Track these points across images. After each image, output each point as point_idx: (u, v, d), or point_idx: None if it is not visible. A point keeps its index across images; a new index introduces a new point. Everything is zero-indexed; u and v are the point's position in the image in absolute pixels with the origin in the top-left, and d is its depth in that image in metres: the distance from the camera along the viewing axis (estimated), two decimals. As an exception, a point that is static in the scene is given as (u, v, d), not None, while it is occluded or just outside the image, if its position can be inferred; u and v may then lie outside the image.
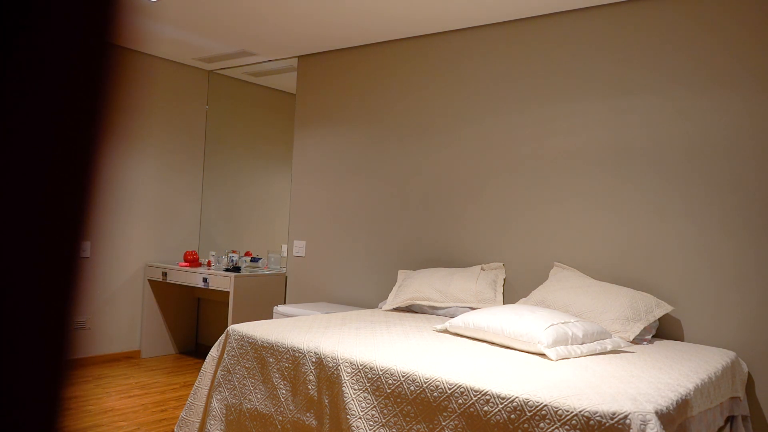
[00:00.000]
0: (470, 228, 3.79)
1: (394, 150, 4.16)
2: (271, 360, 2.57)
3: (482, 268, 3.63)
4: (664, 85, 3.15)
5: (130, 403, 3.78)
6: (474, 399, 1.97)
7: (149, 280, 5.01)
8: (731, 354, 2.75)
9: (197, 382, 2.84)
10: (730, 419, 2.68)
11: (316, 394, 2.39)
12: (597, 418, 1.74)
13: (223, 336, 2.80)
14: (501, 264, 3.63)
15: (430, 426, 2.05)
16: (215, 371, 2.80)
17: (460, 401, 2.00)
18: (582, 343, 2.48)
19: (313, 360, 2.43)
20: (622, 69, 3.28)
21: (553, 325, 2.47)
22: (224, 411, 2.67)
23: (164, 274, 4.86)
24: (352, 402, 2.24)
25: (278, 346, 2.56)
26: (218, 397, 2.70)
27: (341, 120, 4.47)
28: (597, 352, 2.49)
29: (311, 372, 2.42)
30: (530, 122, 3.58)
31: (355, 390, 2.25)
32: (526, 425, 1.85)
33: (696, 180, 3.04)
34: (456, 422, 1.99)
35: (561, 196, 3.45)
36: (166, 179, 5.15)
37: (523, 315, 2.58)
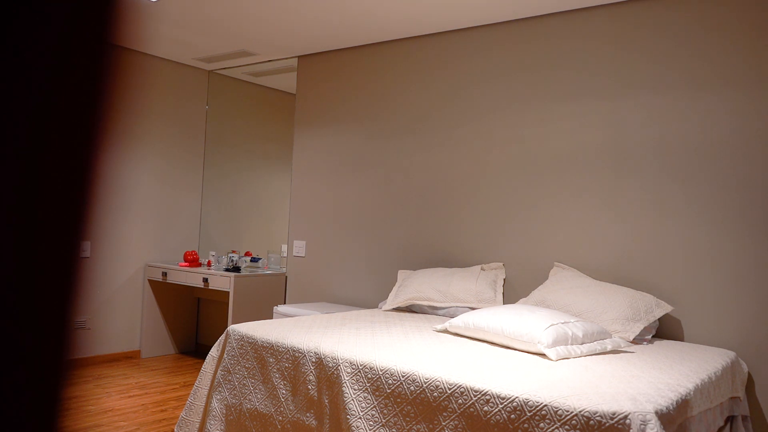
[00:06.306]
0: (470, 228, 3.79)
1: (394, 150, 4.16)
2: (271, 360, 2.57)
3: (482, 268, 3.63)
4: (665, 85, 3.15)
5: (130, 403, 3.78)
6: (474, 399, 1.97)
7: (149, 280, 5.01)
8: (731, 354, 2.75)
9: (197, 382, 2.84)
10: (730, 419, 2.68)
11: (316, 394, 2.39)
12: (597, 418, 1.74)
13: (223, 336, 2.80)
14: (501, 264, 3.63)
15: (430, 426, 2.05)
16: (215, 371, 2.80)
17: (460, 401, 2.00)
18: (582, 343, 2.48)
19: (313, 360, 2.43)
20: (623, 68, 3.28)
21: (553, 325, 2.47)
22: (224, 411, 2.67)
23: (164, 274, 4.86)
24: (352, 402, 2.24)
25: (278, 346, 2.56)
26: (218, 397, 2.70)
27: (341, 120, 4.47)
28: (597, 352, 2.49)
29: (311, 372, 2.42)
30: (531, 122, 3.58)
31: (355, 390, 2.25)
32: (526, 425, 1.85)
33: (696, 180, 3.04)
34: (456, 422, 1.99)
35: (561, 195, 3.45)
36: (166, 179, 5.15)
37: (523, 315, 2.58)
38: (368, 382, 2.24)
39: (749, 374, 2.87)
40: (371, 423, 2.18)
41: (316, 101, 4.62)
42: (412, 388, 2.12)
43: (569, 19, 3.47)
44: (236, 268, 4.62)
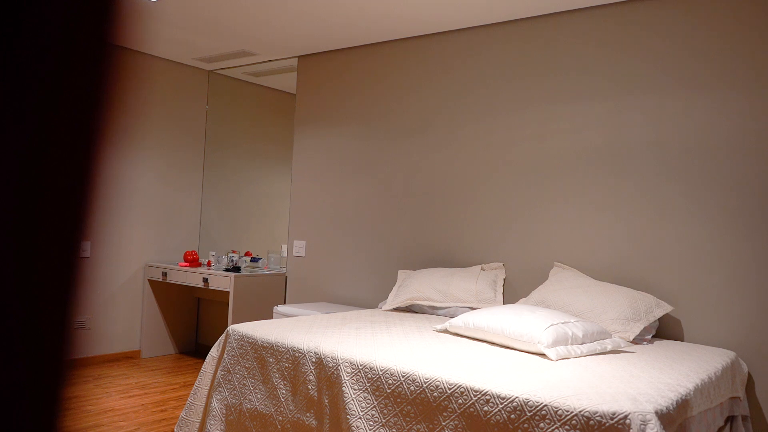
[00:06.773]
0: (470, 228, 3.79)
1: (394, 150, 4.16)
2: (271, 360, 2.57)
3: (482, 268, 3.63)
4: (664, 85, 3.15)
5: (130, 403, 3.78)
6: (474, 399, 1.97)
7: (149, 280, 5.01)
8: (731, 354, 2.75)
9: (197, 382, 2.84)
10: (730, 419, 2.68)
11: (316, 394, 2.39)
12: (597, 418, 1.74)
13: (223, 336, 2.80)
14: (501, 264, 3.63)
15: (430, 426, 2.05)
16: (215, 371, 2.80)
17: (460, 401, 2.00)
18: (582, 343, 2.48)
19: (313, 360, 2.43)
20: (623, 68, 3.28)
21: (553, 325, 2.47)
22: (224, 411, 2.67)
23: (164, 274, 4.86)
24: (352, 402, 2.24)
25: (278, 346, 2.56)
26: (218, 397, 2.70)
27: (341, 120, 4.47)
28: (597, 352, 2.49)
29: (311, 372, 2.42)
30: (530, 122, 3.58)
31: (355, 390, 2.25)
32: (526, 425, 1.85)
33: (697, 180, 3.04)
34: (456, 422, 1.99)
35: (561, 195, 3.45)
36: (166, 179, 5.15)
37: (523, 315, 2.58)
38: (368, 382, 2.24)
39: (749, 374, 2.87)
40: (371, 423, 2.18)
41: (316, 101, 4.62)
42: (412, 388, 2.12)
43: (569, 19, 3.47)
44: (236, 268, 4.62)
